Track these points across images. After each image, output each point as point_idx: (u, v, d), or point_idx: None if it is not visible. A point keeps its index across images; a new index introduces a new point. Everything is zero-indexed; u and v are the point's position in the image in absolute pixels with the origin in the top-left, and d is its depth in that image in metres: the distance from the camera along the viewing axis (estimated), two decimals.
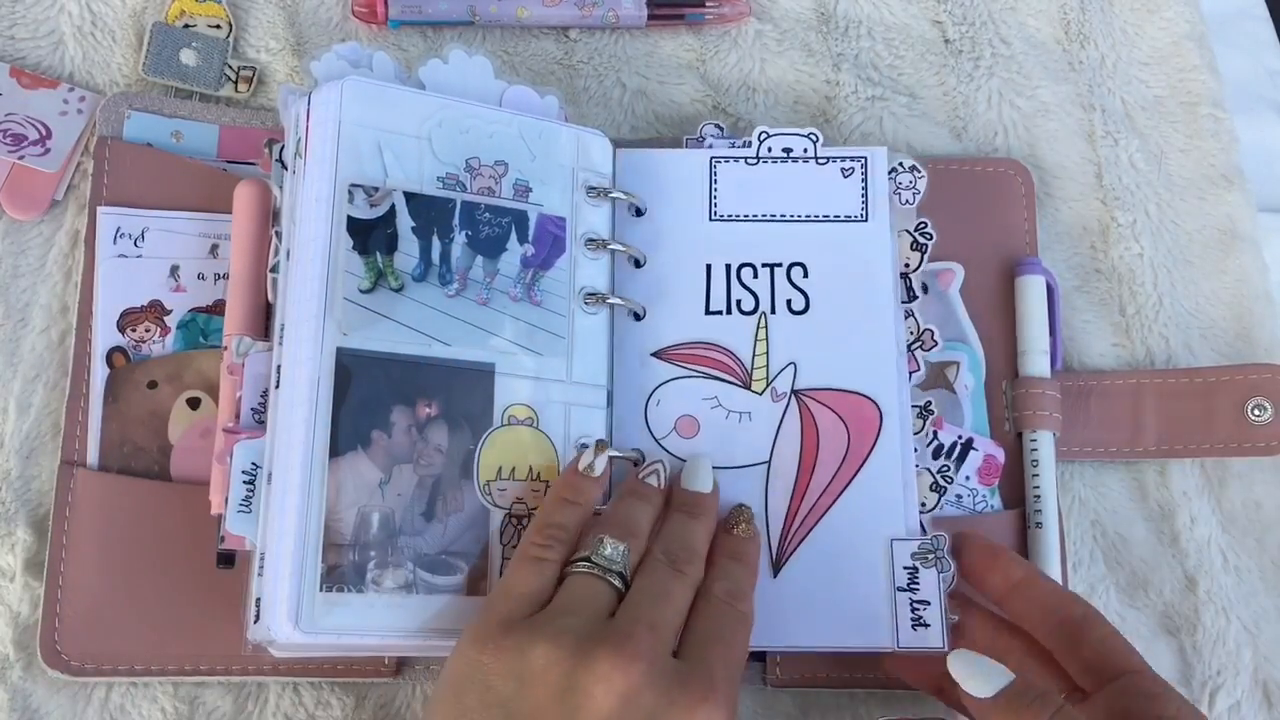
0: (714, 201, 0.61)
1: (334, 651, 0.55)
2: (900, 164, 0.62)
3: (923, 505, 0.59)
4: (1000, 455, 0.62)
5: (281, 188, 0.56)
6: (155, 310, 0.59)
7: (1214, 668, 0.60)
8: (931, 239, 0.61)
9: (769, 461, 0.58)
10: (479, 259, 0.56)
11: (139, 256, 0.59)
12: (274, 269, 0.55)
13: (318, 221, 0.53)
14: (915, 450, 0.59)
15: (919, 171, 0.62)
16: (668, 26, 0.69)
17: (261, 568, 0.51)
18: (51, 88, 0.62)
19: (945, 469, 0.60)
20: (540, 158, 0.58)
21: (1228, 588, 0.62)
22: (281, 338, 0.53)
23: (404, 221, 0.54)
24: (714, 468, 0.57)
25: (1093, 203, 0.68)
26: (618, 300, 0.58)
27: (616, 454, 0.56)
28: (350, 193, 0.53)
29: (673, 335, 0.59)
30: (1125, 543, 0.62)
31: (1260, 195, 0.70)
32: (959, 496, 0.61)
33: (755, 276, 0.60)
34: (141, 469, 0.57)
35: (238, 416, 0.54)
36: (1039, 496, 0.60)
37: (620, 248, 0.59)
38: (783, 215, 0.61)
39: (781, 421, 0.58)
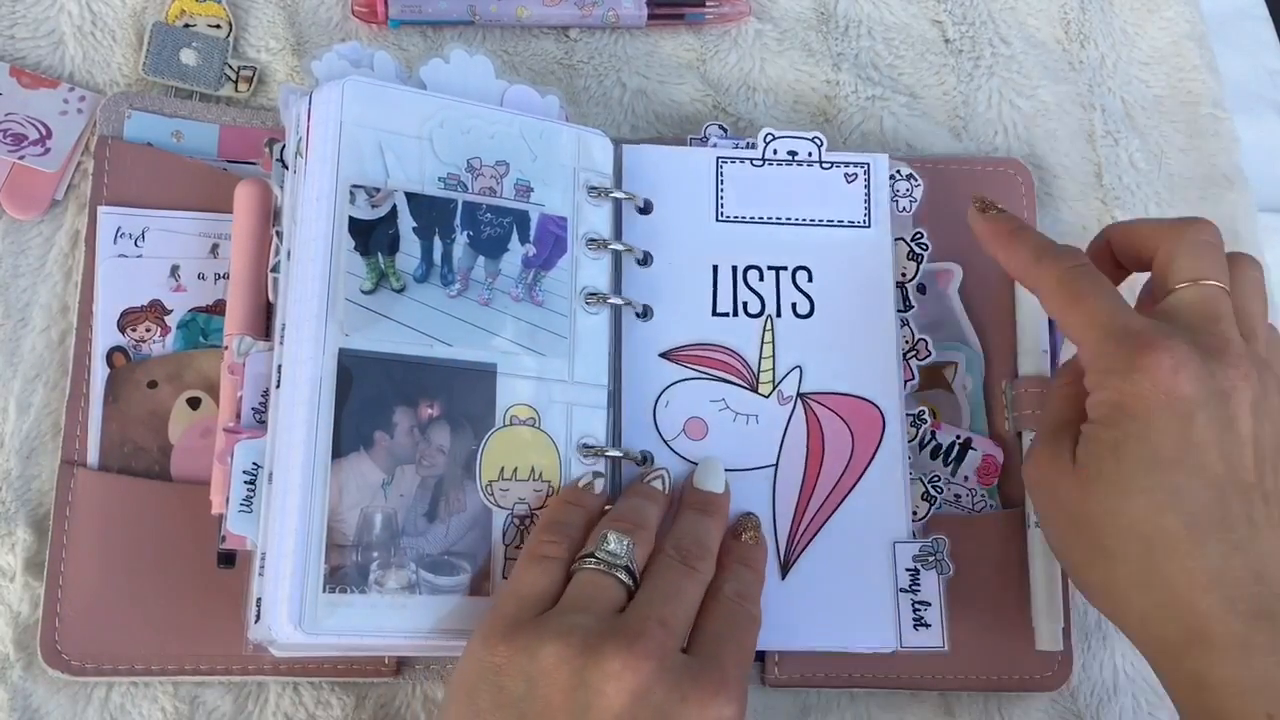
0: (721, 202, 0.61)
1: (335, 651, 0.55)
2: (897, 172, 0.63)
3: (914, 514, 0.59)
4: (999, 455, 0.62)
5: (282, 187, 0.56)
6: (155, 310, 0.59)
7: None
8: (927, 249, 0.62)
9: (776, 464, 0.58)
10: (480, 259, 0.56)
11: (139, 256, 0.59)
12: (275, 269, 0.55)
13: (319, 221, 0.53)
14: (910, 457, 0.59)
15: (915, 180, 0.63)
16: (668, 26, 0.69)
17: (262, 568, 0.51)
18: (51, 87, 0.62)
19: (937, 478, 0.60)
20: (541, 158, 0.58)
21: None
22: (282, 338, 0.53)
23: (405, 222, 0.54)
24: (724, 470, 0.57)
25: (1093, 203, 0.68)
26: (619, 300, 0.58)
27: (621, 454, 0.56)
28: (352, 193, 0.53)
29: (681, 336, 0.59)
30: None
31: (1260, 195, 0.70)
32: (957, 496, 0.61)
33: (761, 279, 0.60)
34: (142, 469, 0.57)
35: (238, 416, 0.54)
36: None
37: (621, 247, 0.59)
38: (788, 218, 0.61)
39: (788, 425, 0.59)
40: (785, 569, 0.57)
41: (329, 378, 0.51)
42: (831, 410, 0.59)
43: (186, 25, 0.64)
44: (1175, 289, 0.52)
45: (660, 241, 0.60)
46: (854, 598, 0.57)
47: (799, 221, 0.61)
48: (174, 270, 0.59)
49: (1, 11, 0.64)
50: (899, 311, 0.61)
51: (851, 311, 0.60)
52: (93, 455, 0.57)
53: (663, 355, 0.59)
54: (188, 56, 0.63)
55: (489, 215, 0.56)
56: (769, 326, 0.60)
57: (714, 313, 0.60)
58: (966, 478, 0.62)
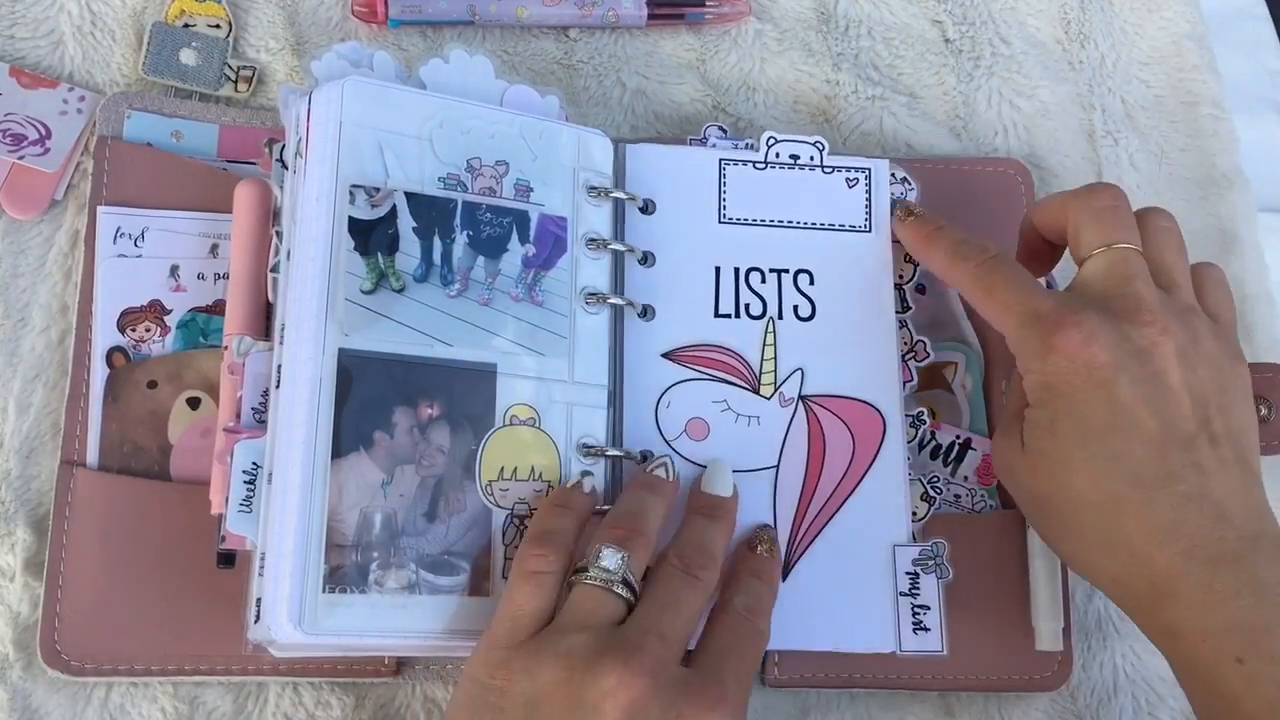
0: (723, 204, 0.61)
1: (335, 652, 0.55)
2: (892, 175, 0.63)
3: (914, 515, 0.59)
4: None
5: (282, 187, 0.56)
6: (155, 310, 0.59)
7: None
8: None
9: (777, 466, 0.58)
10: (480, 259, 0.55)
11: (139, 256, 0.59)
12: (274, 269, 0.55)
13: (319, 221, 0.53)
14: (909, 458, 0.59)
15: (910, 184, 0.63)
16: (668, 26, 0.69)
17: (262, 568, 0.51)
18: (51, 87, 0.62)
19: (936, 478, 0.60)
20: (541, 158, 0.58)
21: None
22: (282, 338, 0.53)
23: (405, 222, 0.54)
24: None
25: None
26: (619, 300, 0.58)
27: (622, 454, 0.56)
28: (351, 193, 0.53)
29: (683, 336, 0.59)
30: None
31: (1260, 195, 0.70)
32: (957, 496, 0.61)
33: (763, 281, 0.60)
34: (141, 469, 0.57)
35: (238, 416, 0.54)
36: None
37: (621, 247, 0.59)
38: (790, 221, 0.61)
39: (789, 427, 0.59)
40: (785, 570, 0.57)
41: (329, 378, 0.51)
42: (833, 413, 0.59)
43: (186, 25, 0.64)
44: (1087, 259, 0.54)
45: (662, 242, 0.60)
46: (853, 600, 0.57)
47: (800, 225, 0.61)
48: (174, 270, 0.59)
49: (1, 11, 0.64)
50: (897, 313, 0.61)
51: (852, 315, 0.60)
52: (93, 455, 0.57)
53: (665, 355, 0.59)
54: (187, 56, 0.63)
55: (489, 215, 0.56)
56: (771, 328, 0.60)
57: (716, 314, 0.60)
58: (966, 478, 0.62)
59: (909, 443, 0.60)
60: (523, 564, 0.50)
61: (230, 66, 0.64)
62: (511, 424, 0.54)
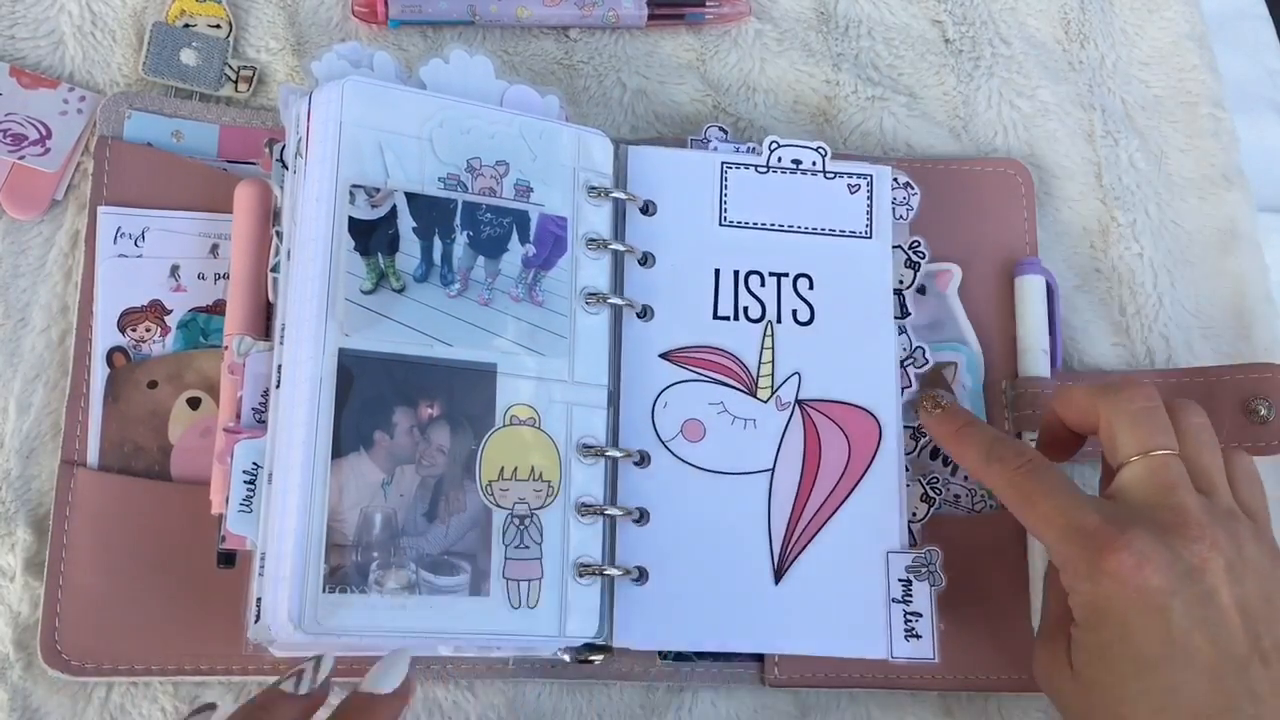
0: (724, 206, 0.61)
1: (335, 651, 0.55)
2: (895, 180, 0.63)
3: (914, 515, 0.59)
4: None
5: (282, 187, 0.56)
6: (155, 310, 0.59)
7: None
8: (924, 257, 0.62)
9: (772, 469, 0.58)
10: (480, 259, 0.56)
11: (139, 256, 0.59)
12: (275, 269, 0.55)
13: (319, 221, 0.53)
14: (908, 453, 0.60)
15: (913, 189, 0.63)
16: (668, 26, 0.69)
17: (262, 568, 0.51)
18: (51, 87, 0.62)
19: (936, 478, 0.60)
20: (541, 158, 0.58)
21: None
22: (282, 338, 0.53)
23: (405, 222, 0.54)
24: (720, 473, 0.58)
25: (1093, 203, 0.68)
26: (619, 300, 0.58)
27: (621, 454, 0.56)
28: (351, 193, 0.53)
29: (681, 337, 0.59)
30: None
31: (1260, 195, 0.70)
32: (957, 496, 0.61)
33: (763, 285, 0.60)
34: (141, 469, 0.57)
35: (238, 416, 0.54)
36: None
37: (621, 247, 0.59)
38: (791, 226, 0.61)
39: (785, 430, 0.59)
40: (779, 574, 0.57)
41: (329, 378, 0.51)
42: (829, 418, 0.59)
43: (186, 25, 0.64)
44: (1122, 466, 0.51)
45: (662, 243, 0.60)
46: (846, 606, 0.57)
47: (801, 229, 0.62)
48: (174, 270, 0.59)
49: (1, 11, 0.64)
50: (896, 318, 0.61)
51: (852, 321, 0.61)
52: (93, 455, 0.57)
53: (662, 356, 0.59)
54: (188, 56, 0.63)
55: (489, 215, 0.56)
56: (769, 332, 0.60)
57: (715, 316, 0.60)
58: (966, 478, 0.62)
59: (909, 454, 0.60)
60: None
61: (230, 66, 0.64)
62: (511, 424, 0.54)
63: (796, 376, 0.60)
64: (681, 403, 0.58)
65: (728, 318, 0.60)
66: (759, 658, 0.58)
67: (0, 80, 0.62)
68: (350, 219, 0.53)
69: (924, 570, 0.58)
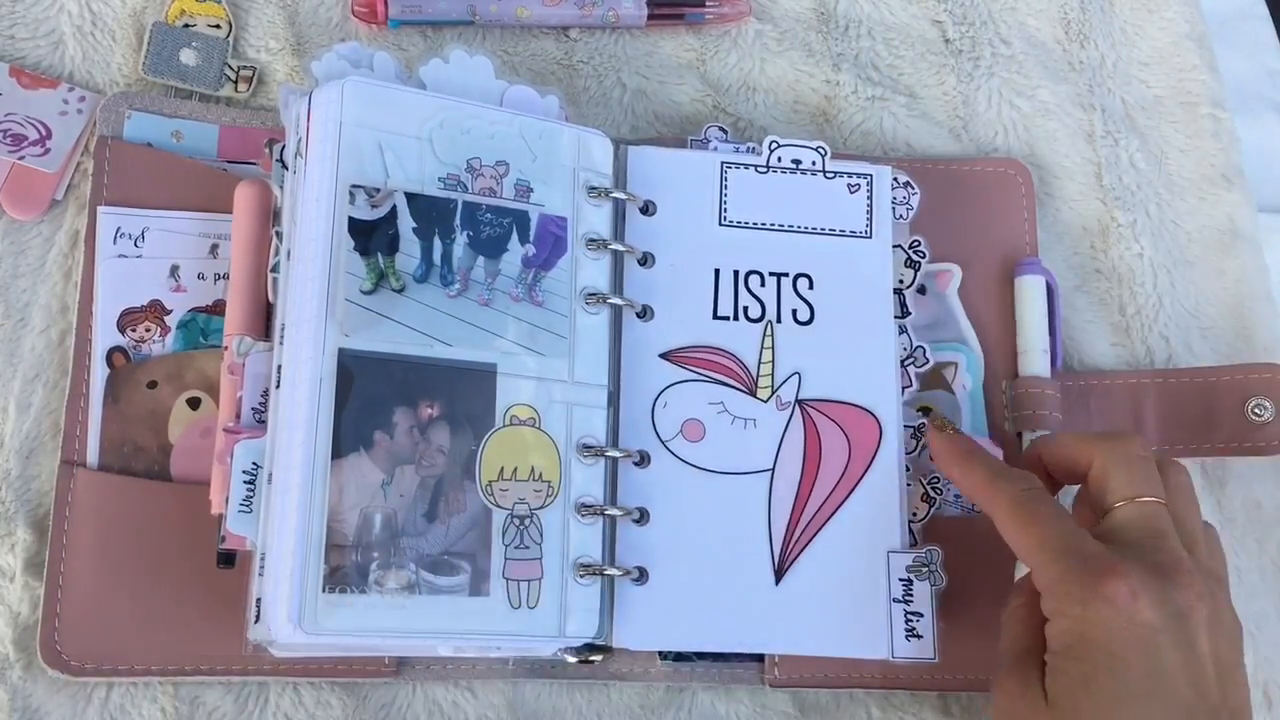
0: (724, 206, 0.61)
1: (335, 651, 0.55)
2: (895, 179, 0.63)
3: (914, 515, 0.59)
4: (999, 455, 0.62)
5: (282, 188, 0.56)
6: (155, 310, 0.59)
7: None
8: (924, 257, 0.62)
9: (773, 469, 0.58)
10: (480, 259, 0.56)
11: (139, 256, 0.59)
12: (274, 269, 0.55)
13: (318, 222, 0.53)
14: (909, 452, 0.60)
15: (912, 188, 0.63)
16: (668, 26, 0.69)
17: (262, 568, 0.51)
18: (51, 87, 0.62)
19: (937, 479, 0.60)
20: (541, 158, 0.58)
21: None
22: (282, 338, 0.53)
23: (405, 222, 0.54)
24: (721, 473, 0.58)
25: (1093, 203, 0.68)
26: (619, 300, 0.58)
27: (621, 454, 0.56)
28: (351, 193, 0.53)
29: (681, 337, 0.59)
30: None
31: (1260, 195, 0.70)
32: (957, 496, 0.61)
33: (762, 284, 0.60)
34: (141, 469, 0.57)
35: (238, 416, 0.54)
36: None
37: (621, 247, 0.59)
38: (790, 226, 0.61)
39: (785, 430, 0.59)
40: (779, 574, 0.57)
41: (329, 378, 0.51)
42: (829, 418, 0.59)
43: (186, 25, 0.64)
44: (1114, 507, 0.52)
45: (662, 243, 0.60)
46: (847, 605, 0.57)
47: (801, 229, 0.62)
48: (174, 270, 0.59)
49: (1, 11, 0.64)
50: (897, 318, 0.61)
51: (851, 320, 0.61)
52: (93, 455, 0.57)
53: (662, 356, 0.59)
54: (188, 56, 0.63)
55: (489, 215, 0.56)
56: (769, 332, 0.60)
57: (715, 316, 0.60)
58: None
59: (910, 454, 0.60)
60: None
61: (230, 66, 0.64)
62: (511, 424, 0.54)
63: (796, 376, 0.60)
64: (681, 403, 0.58)
65: (728, 318, 0.60)
66: (759, 658, 0.58)
67: (0, 80, 0.62)
68: (350, 219, 0.53)
69: (925, 570, 0.58)
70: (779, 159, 0.62)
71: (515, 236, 0.56)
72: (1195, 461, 0.64)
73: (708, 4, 0.68)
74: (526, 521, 0.54)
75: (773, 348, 0.60)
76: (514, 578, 0.53)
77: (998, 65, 0.70)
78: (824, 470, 0.59)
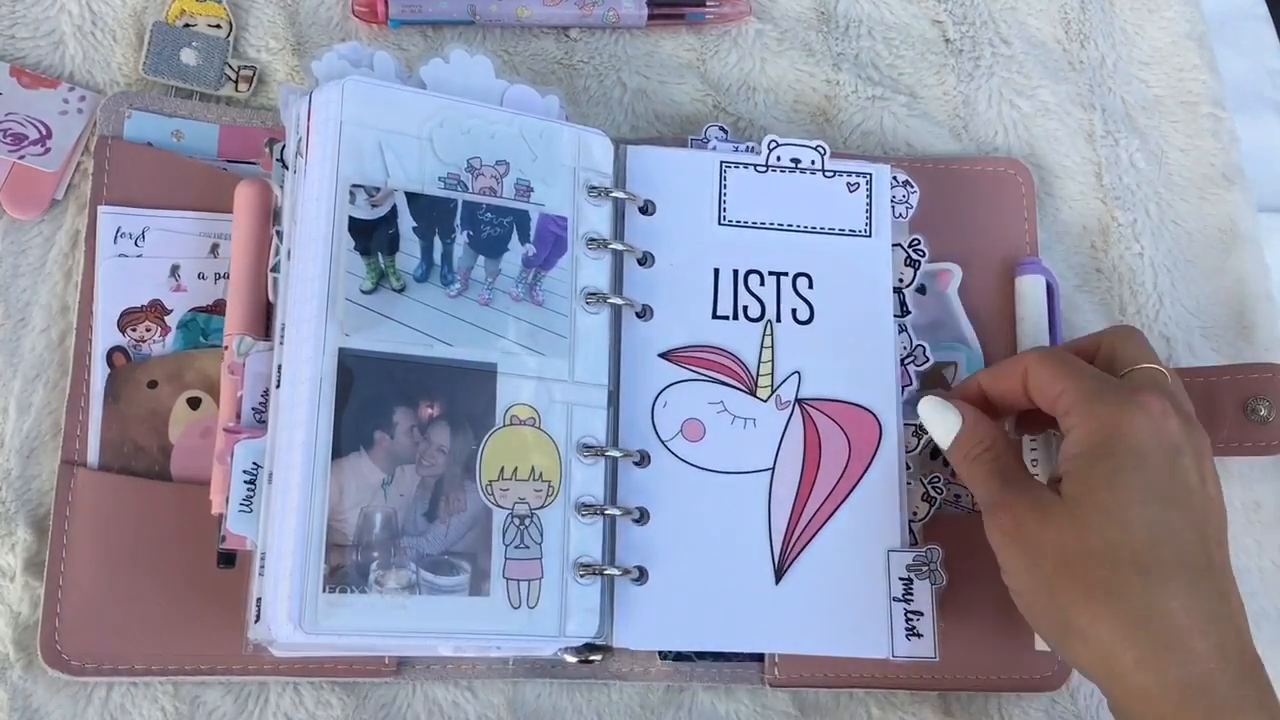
0: (723, 206, 0.61)
1: (335, 651, 0.55)
2: (894, 179, 0.63)
3: (914, 515, 0.59)
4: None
5: (282, 187, 0.56)
6: (155, 310, 0.59)
7: None
8: (924, 255, 0.62)
9: (773, 468, 0.58)
10: (481, 259, 0.56)
11: (139, 256, 0.59)
12: (275, 269, 0.55)
13: (319, 221, 0.53)
14: (910, 450, 0.60)
15: (912, 186, 0.63)
16: (668, 26, 0.69)
17: (262, 568, 0.51)
18: (51, 87, 0.62)
19: (937, 478, 0.60)
20: (541, 157, 0.58)
21: None
22: (282, 338, 0.53)
23: (405, 222, 0.54)
24: (721, 472, 0.58)
25: (1093, 202, 0.68)
26: (619, 300, 0.58)
27: (620, 454, 0.56)
28: (352, 193, 0.53)
29: (680, 337, 0.59)
30: None
31: (1260, 195, 0.70)
32: (957, 496, 0.61)
33: (762, 284, 0.60)
34: (142, 469, 0.57)
35: (238, 416, 0.54)
36: None
37: (621, 247, 0.59)
38: (790, 225, 0.61)
39: (785, 429, 0.59)
40: (780, 574, 0.57)
41: (329, 378, 0.51)
42: (829, 417, 0.59)
43: (186, 25, 0.64)
44: (1129, 371, 0.54)
45: (662, 242, 0.60)
46: (847, 605, 0.57)
47: (800, 228, 0.62)
48: (174, 270, 0.59)
49: (1, 11, 0.64)
50: (896, 316, 0.61)
51: (851, 320, 0.61)
52: (93, 455, 0.57)
53: (662, 355, 0.59)
54: (188, 56, 0.63)
55: (489, 215, 0.56)
56: (769, 331, 0.60)
57: (714, 315, 0.60)
58: None
59: (910, 452, 0.60)
60: None
61: (230, 66, 0.64)
62: (512, 424, 0.54)
63: (796, 375, 0.60)
64: (681, 402, 0.58)
65: (727, 317, 0.60)
66: (759, 657, 0.58)
67: (0, 80, 0.62)
68: (350, 219, 0.53)
69: (925, 569, 0.58)
70: (778, 158, 0.62)
71: (515, 236, 0.56)
72: None
73: (708, 4, 0.68)
74: (527, 521, 0.54)
75: (772, 347, 0.60)
76: (514, 577, 0.53)
77: (998, 65, 0.70)
78: (824, 469, 0.59)
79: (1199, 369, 0.64)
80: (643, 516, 0.57)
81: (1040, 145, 0.69)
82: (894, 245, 0.62)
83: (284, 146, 0.56)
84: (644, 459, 0.57)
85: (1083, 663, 0.50)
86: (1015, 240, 0.65)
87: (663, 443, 0.58)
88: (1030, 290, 0.63)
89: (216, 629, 0.55)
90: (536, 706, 0.58)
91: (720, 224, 0.61)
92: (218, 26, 0.65)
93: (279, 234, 0.55)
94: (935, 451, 0.62)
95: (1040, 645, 0.59)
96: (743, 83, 0.68)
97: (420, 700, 0.57)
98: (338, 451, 0.51)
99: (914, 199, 0.63)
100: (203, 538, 0.56)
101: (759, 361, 0.60)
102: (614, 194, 0.59)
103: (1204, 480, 0.51)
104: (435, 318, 0.54)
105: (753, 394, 0.59)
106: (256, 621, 0.51)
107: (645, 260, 0.60)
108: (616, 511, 0.56)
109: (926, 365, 0.61)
